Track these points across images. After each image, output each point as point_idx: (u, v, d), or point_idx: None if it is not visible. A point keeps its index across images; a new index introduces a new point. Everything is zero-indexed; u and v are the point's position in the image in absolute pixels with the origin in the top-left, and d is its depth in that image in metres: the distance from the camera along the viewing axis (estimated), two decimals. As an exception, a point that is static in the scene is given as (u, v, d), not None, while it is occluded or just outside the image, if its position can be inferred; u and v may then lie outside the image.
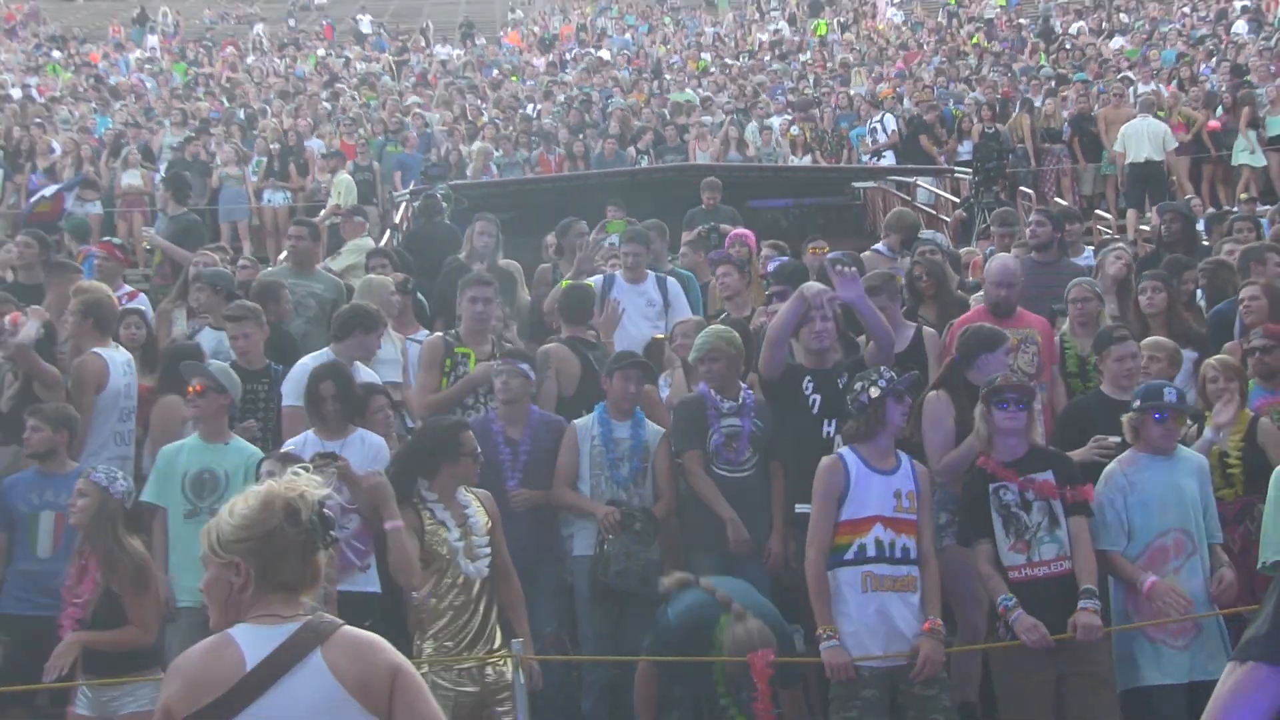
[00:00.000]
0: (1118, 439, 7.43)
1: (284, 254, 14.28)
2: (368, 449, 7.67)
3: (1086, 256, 12.15)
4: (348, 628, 3.50)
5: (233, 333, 9.33)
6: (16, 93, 32.51)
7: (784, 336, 8.03)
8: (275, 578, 3.42)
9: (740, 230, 12.37)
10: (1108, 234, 14.39)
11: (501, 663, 6.86)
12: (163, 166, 22.66)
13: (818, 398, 7.90)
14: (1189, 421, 7.55)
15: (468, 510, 6.97)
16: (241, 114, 29.26)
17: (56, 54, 40.93)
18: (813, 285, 8.25)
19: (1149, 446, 7.11)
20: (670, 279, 10.69)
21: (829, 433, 7.85)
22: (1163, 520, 7.02)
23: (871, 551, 6.76)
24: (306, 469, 3.75)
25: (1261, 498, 6.62)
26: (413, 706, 3.39)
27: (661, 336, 9.90)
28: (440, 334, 9.46)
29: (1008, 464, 6.97)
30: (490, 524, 7.05)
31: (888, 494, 6.85)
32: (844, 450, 7.05)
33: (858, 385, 7.00)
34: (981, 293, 9.78)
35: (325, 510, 3.48)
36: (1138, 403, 7.17)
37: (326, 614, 3.55)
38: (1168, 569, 6.95)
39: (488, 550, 6.94)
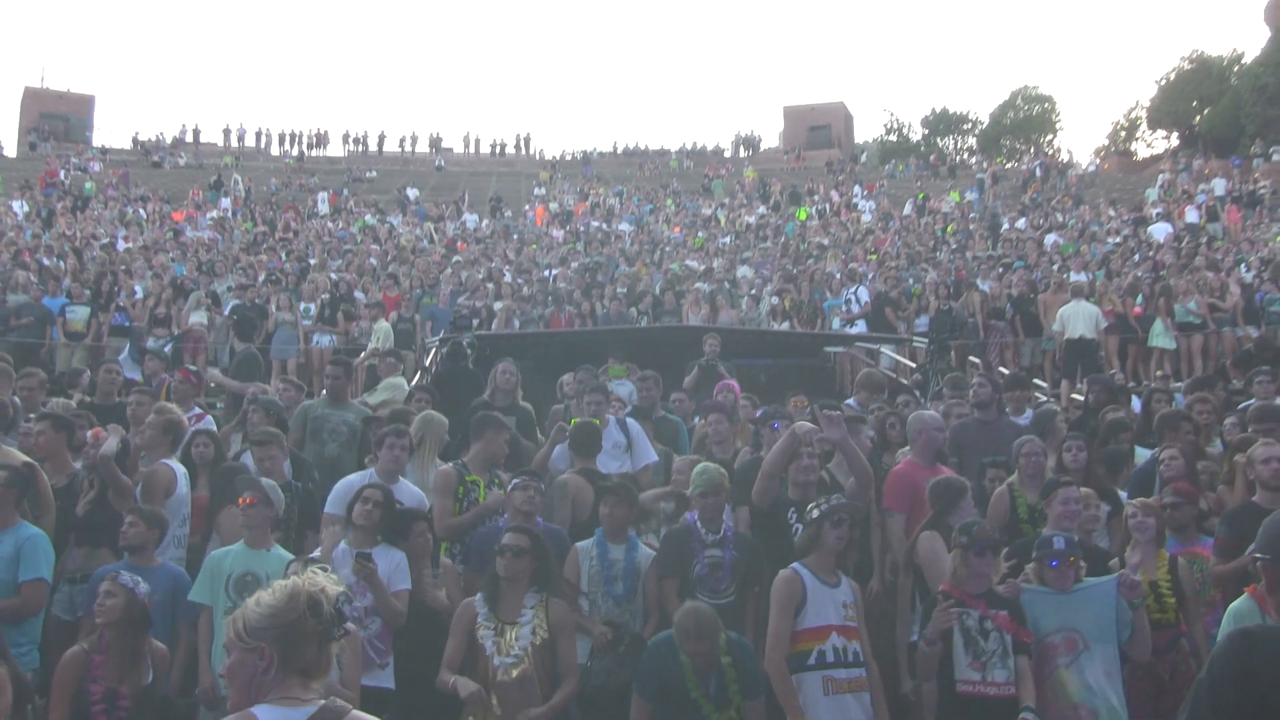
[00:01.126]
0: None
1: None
2: (391, 560, 7.63)
3: (1027, 417, 12.21)
4: (356, 713, 3.50)
5: (258, 455, 9.43)
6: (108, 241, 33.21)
7: (777, 470, 8.12)
8: (295, 663, 3.44)
9: (728, 380, 12.45)
10: (1044, 399, 14.46)
11: None
12: (227, 309, 22.80)
13: (799, 527, 7.77)
14: (1082, 564, 7.49)
15: (521, 615, 7.07)
16: (298, 267, 29.48)
17: (144, 211, 41.40)
18: (804, 425, 8.41)
19: (1047, 586, 7.33)
20: (631, 420, 10.65)
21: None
22: (1053, 623, 7.21)
23: (830, 657, 6.89)
24: (325, 569, 3.77)
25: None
26: None
27: (628, 472, 9.81)
28: (452, 464, 9.41)
29: (974, 595, 7.07)
30: (546, 635, 7.08)
31: (837, 605, 7.03)
32: (798, 565, 7.10)
33: (809, 507, 7.26)
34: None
35: (342, 605, 3.51)
36: (1035, 553, 7.40)
37: (338, 700, 3.54)
38: (1058, 664, 7.11)
39: (517, 653, 6.95)
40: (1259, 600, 6.30)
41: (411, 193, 49.00)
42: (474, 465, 9.23)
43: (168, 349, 17.82)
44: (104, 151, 60.07)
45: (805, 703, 6.81)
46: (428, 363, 15.72)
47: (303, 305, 23.66)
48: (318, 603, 3.47)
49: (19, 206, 40.78)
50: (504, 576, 7.14)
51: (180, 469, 9.16)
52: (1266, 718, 3.23)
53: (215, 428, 11.51)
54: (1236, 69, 62.56)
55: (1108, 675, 7.09)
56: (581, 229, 40.54)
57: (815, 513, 7.17)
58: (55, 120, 64.22)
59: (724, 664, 6.80)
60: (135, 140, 63.50)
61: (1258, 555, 3.93)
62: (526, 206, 46.74)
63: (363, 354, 18.92)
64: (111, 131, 65.37)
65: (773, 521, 8.16)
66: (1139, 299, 23.42)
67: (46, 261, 28.43)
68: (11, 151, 60.31)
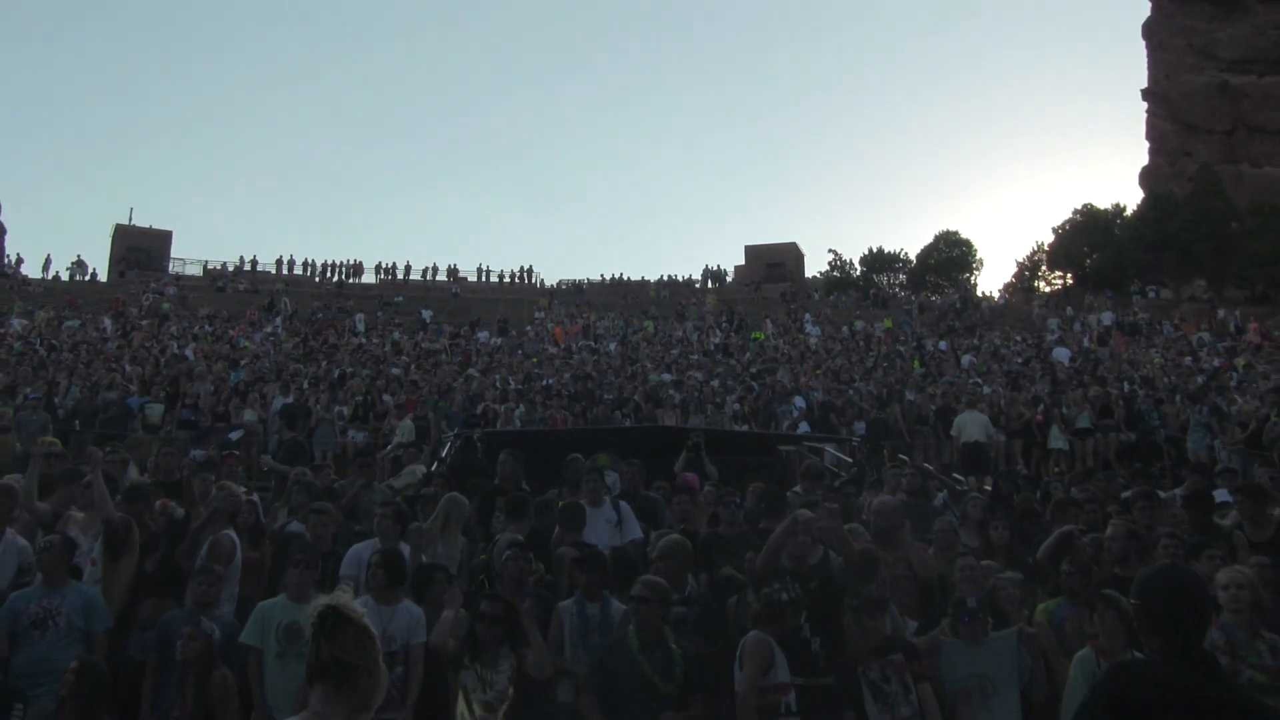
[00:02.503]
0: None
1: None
2: (411, 616, 7.75)
3: (940, 499, 12.39)
4: None
5: (312, 523, 9.51)
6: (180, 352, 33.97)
7: (779, 546, 8.14)
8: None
9: (689, 474, 12.54)
10: (961, 487, 14.60)
11: None
12: (276, 406, 22.93)
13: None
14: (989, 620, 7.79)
15: (499, 666, 7.32)
16: (336, 374, 29.58)
17: (209, 328, 41.59)
18: (804, 513, 8.41)
19: (961, 639, 7.61)
20: (623, 502, 10.70)
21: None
22: (965, 672, 7.46)
23: (794, 708, 6.99)
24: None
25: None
26: None
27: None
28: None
29: (870, 651, 7.28)
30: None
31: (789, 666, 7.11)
32: (759, 633, 7.16)
33: (765, 590, 7.45)
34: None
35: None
36: (950, 610, 7.80)
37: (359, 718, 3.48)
38: (971, 706, 7.32)
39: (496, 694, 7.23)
40: (1097, 650, 6.90)
41: (426, 314, 49.29)
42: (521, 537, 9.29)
43: (235, 436, 17.87)
44: (178, 278, 60.33)
45: None
46: (443, 454, 15.70)
47: (338, 408, 23.81)
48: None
49: (108, 323, 41.50)
50: (481, 640, 7.36)
51: (237, 539, 9.13)
52: None
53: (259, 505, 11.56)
54: (1119, 220, 63.22)
55: (1010, 714, 7.26)
56: (574, 346, 40.74)
57: (784, 596, 7.32)
58: (139, 252, 64.46)
59: (671, 644, 7.22)
60: (205, 268, 63.71)
61: (1132, 600, 4.01)
62: (528, 327, 46.88)
63: (389, 446, 18.95)
64: (185, 262, 65.05)
65: (769, 580, 8.08)
66: (1040, 408, 23.75)
67: (129, 368, 28.61)
68: (103, 277, 60.41)
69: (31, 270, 57.83)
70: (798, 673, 7.31)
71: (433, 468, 14.64)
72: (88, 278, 59.58)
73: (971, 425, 21.55)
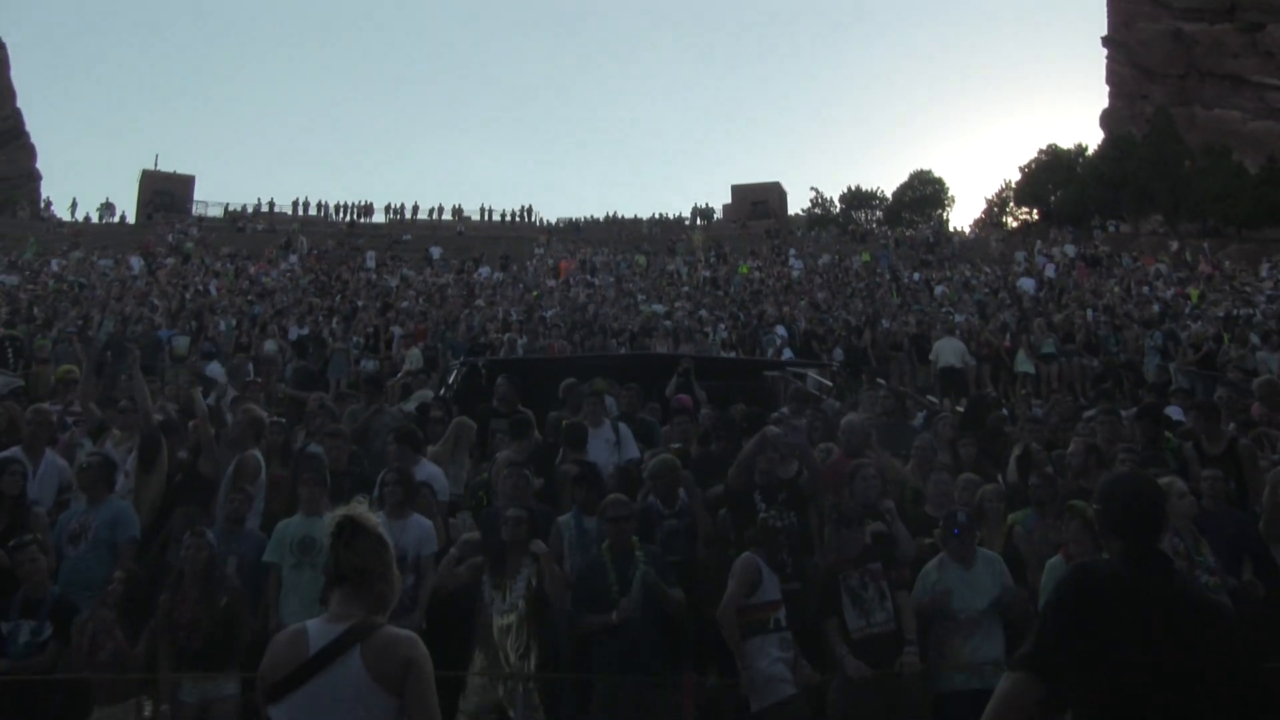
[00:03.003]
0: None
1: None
2: (421, 529, 7.86)
3: (919, 421, 12.32)
4: (390, 628, 3.53)
5: (329, 445, 9.49)
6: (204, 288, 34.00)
7: (750, 462, 8.29)
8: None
9: (682, 396, 12.46)
10: (935, 408, 14.60)
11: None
12: (292, 337, 22.93)
13: (764, 505, 8.05)
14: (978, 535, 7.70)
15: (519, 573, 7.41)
16: (349, 308, 29.54)
17: (230, 265, 41.42)
18: (773, 429, 8.52)
19: (951, 553, 7.40)
20: (621, 424, 10.67)
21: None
22: (958, 605, 7.23)
23: (783, 623, 7.04)
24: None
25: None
26: (415, 692, 3.40)
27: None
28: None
29: (850, 560, 7.25)
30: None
31: (779, 586, 7.16)
32: (753, 553, 7.17)
33: (763, 515, 7.50)
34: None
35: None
36: (941, 524, 7.57)
37: (375, 618, 3.54)
38: (960, 638, 7.18)
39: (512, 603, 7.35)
40: (1066, 557, 6.92)
41: (435, 251, 49.10)
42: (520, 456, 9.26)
43: (250, 368, 17.81)
44: (201, 220, 60.04)
45: (766, 651, 6.93)
46: (450, 381, 15.62)
47: (353, 338, 23.76)
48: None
49: (136, 262, 41.43)
50: (508, 540, 7.38)
51: (261, 457, 9.10)
52: (1093, 626, 3.42)
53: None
54: (1081, 160, 62.95)
55: (993, 642, 7.12)
56: (572, 280, 40.63)
57: (777, 523, 7.38)
58: (164, 196, 64.10)
59: (638, 554, 7.30)
60: (225, 210, 63.35)
61: (1094, 505, 4.02)
62: (529, 262, 46.69)
63: (399, 374, 18.90)
64: (207, 205, 64.76)
65: (743, 500, 8.26)
66: (1007, 337, 23.76)
67: (157, 303, 28.52)
68: (131, 220, 60.12)
69: (60, 214, 57.73)
70: None
71: (440, 393, 14.60)
72: (117, 220, 59.27)
73: (948, 351, 21.52)
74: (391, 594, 3.64)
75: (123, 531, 7.82)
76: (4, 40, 79.21)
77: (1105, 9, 74.67)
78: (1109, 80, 74.79)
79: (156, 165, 68.18)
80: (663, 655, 7.18)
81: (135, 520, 8.05)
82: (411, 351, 22.12)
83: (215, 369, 20.73)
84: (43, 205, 64.51)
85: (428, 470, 9.06)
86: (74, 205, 59.15)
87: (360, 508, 3.67)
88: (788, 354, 22.80)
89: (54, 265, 38.94)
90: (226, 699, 6.89)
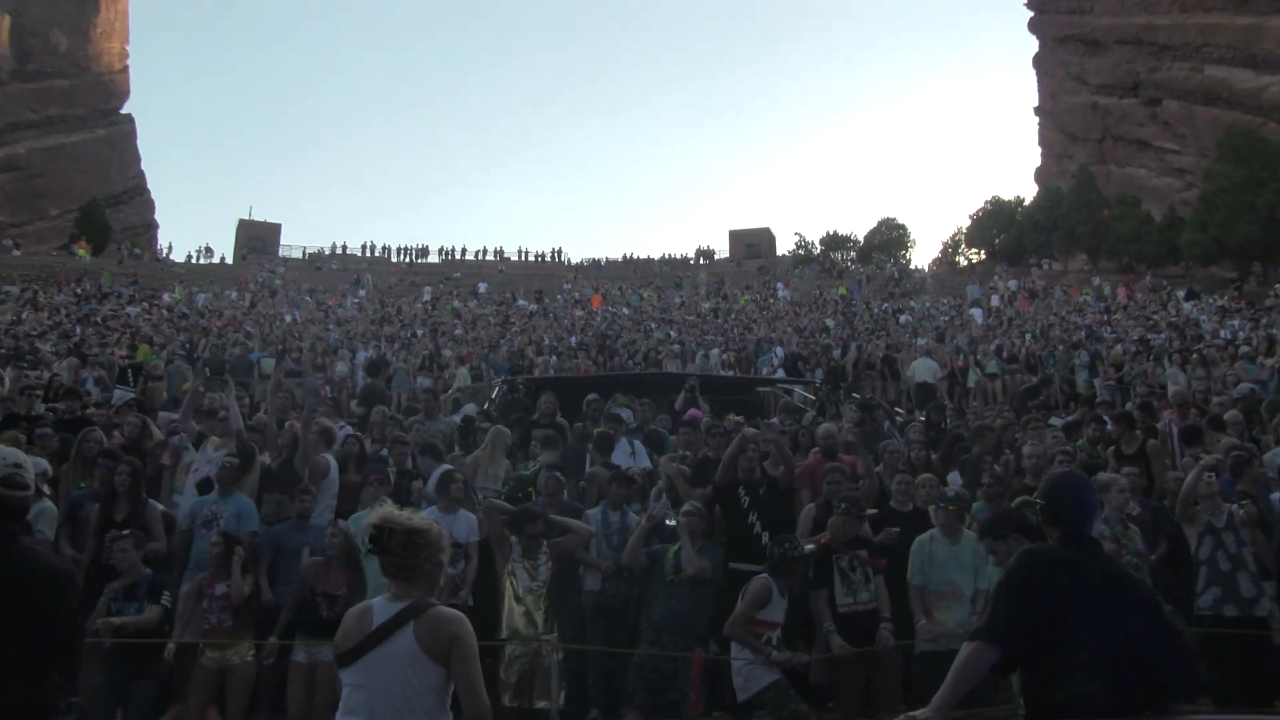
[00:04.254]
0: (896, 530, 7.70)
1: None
2: (468, 521, 7.85)
3: (887, 427, 12.24)
4: (440, 608, 3.55)
5: (394, 450, 9.42)
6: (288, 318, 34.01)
7: (733, 461, 8.17)
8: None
9: (694, 410, 12.36)
10: (901, 417, 14.47)
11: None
12: (360, 359, 22.92)
13: (747, 499, 8.05)
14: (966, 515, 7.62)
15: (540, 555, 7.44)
16: (408, 334, 29.55)
17: (309, 299, 41.49)
18: (750, 430, 8.63)
19: (940, 529, 7.33)
20: (636, 440, 10.55)
21: (752, 520, 7.97)
22: (942, 577, 7.15)
23: (774, 642, 6.97)
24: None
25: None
26: (460, 663, 3.43)
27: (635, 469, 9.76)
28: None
29: (844, 543, 7.26)
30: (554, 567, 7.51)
31: (784, 609, 7.05)
32: (768, 576, 7.03)
33: (776, 546, 7.12)
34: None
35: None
36: (936, 500, 7.59)
37: (427, 599, 3.58)
38: (942, 606, 7.08)
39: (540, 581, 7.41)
40: None
41: (480, 285, 49.10)
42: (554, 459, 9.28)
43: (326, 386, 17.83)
44: (285, 260, 60.20)
45: (752, 661, 6.91)
46: (493, 396, 15.58)
47: (412, 360, 23.76)
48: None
49: (233, 294, 41.23)
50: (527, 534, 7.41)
51: (333, 460, 9.06)
52: (1040, 598, 3.52)
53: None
54: (1020, 208, 62.82)
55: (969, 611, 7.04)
56: (596, 313, 40.63)
57: (796, 554, 7.13)
58: (257, 240, 64.19)
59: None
60: (305, 252, 63.48)
61: (1036, 500, 4.08)
62: (559, 295, 46.64)
63: (450, 390, 18.86)
64: (291, 248, 65.03)
65: (729, 495, 8.17)
66: (960, 357, 23.61)
67: (250, 329, 28.60)
68: (230, 260, 60.25)
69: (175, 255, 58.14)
70: (750, 560, 7.52)
71: (484, 407, 14.55)
72: (216, 260, 59.45)
73: (923, 369, 21.64)
74: (436, 575, 3.65)
75: (246, 524, 7.85)
76: (133, 115, 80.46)
77: (1036, 85, 75.19)
78: (1040, 143, 75.15)
79: (250, 215, 68.51)
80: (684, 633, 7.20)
81: (256, 515, 8.09)
82: (460, 371, 22.07)
83: (267, 363, 20.82)
84: (159, 249, 64.76)
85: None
86: (169, 249, 59.76)
87: (387, 509, 3.65)
88: (780, 373, 22.70)
89: (165, 298, 39.03)
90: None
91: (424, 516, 3.84)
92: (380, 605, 3.54)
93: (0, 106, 67.34)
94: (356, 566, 7.06)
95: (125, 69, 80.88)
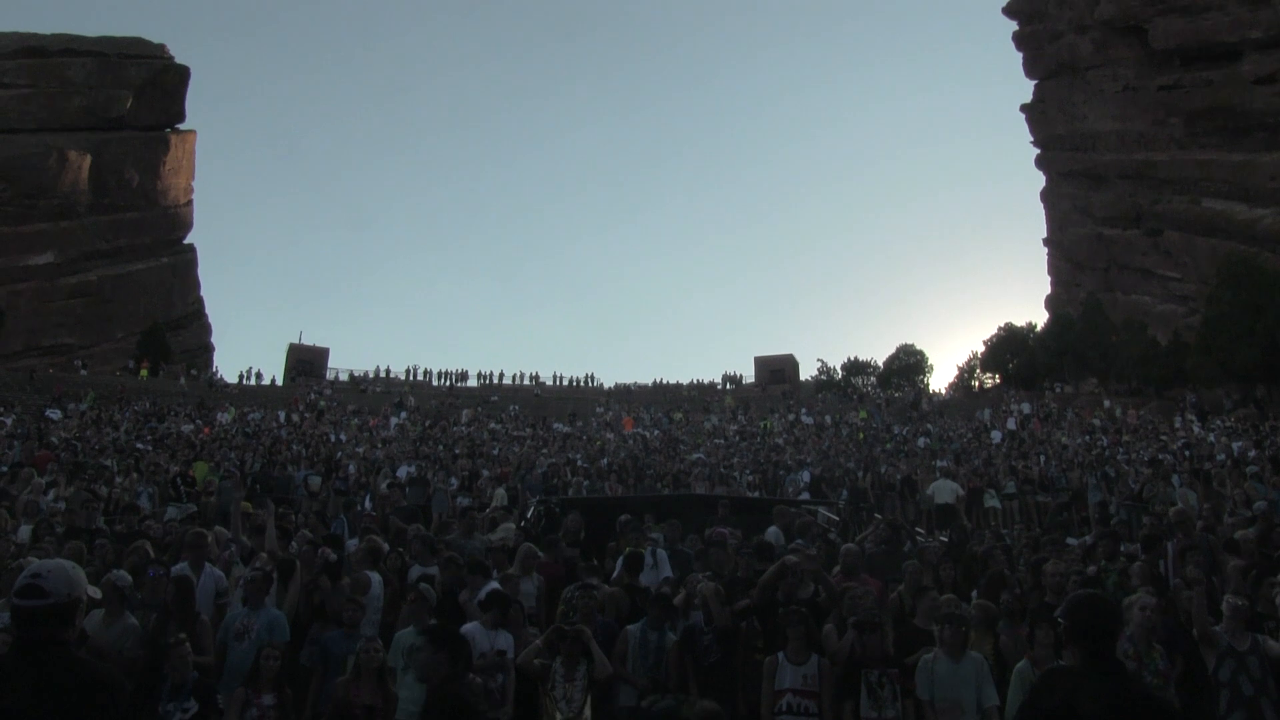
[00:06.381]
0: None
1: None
2: (508, 641, 7.74)
3: (909, 547, 12.11)
4: None
5: (445, 569, 9.42)
6: (334, 437, 33.97)
7: (770, 584, 8.28)
8: None
9: (721, 529, 12.27)
10: (921, 537, 14.32)
11: None
12: (403, 477, 22.93)
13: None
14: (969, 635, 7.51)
15: (576, 673, 7.29)
16: (448, 454, 29.59)
17: (355, 420, 41.72)
18: (791, 559, 8.59)
19: (943, 648, 7.23)
20: (661, 551, 10.66)
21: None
22: (945, 694, 7.05)
23: (784, 707, 7.04)
24: None
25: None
26: None
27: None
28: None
29: (874, 660, 7.16)
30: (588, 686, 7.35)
31: (797, 676, 7.12)
32: (781, 654, 7.23)
33: (794, 623, 7.28)
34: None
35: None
36: (941, 619, 7.44)
37: None
38: (945, 713, 6.99)
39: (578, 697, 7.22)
40: (1032, 660, 6.91)
41: (516, 408, 49.25)
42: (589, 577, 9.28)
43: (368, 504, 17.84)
44: (333, 383, 60.87)
45: None
46: (529, 515, 15.55)
47: (451, 479, 23.74)
48: None
49: (282, 414, 41.66)
50: (565, 658, 7.33)
51: (376, 576, 9.10)
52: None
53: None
54: (1032, 334, 62.80)
55: None
56: (626, 432, 40.58)
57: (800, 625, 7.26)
58: (305, 364, 65.11)
59: None
60: (351, 375, 64.18)
61: (1057, 618, 4.04)
62: (592, 419, 46.70)
63: (488, 510, 18.82)
64: (338, 371, 65.80)
65: (768, 608, 8.16)
66: (978, 478, 23.47)
67: (296, 448, 28.78)
68: (280, 381, 60.98)
69: (227, 377, 58.90)
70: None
71: (520, 525, 14.51)
72: (267, 382, 60.14)
73: (944, 490, 21.41)
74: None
75: (278, 635, 7.83)
76: (195, 244, 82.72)
77: (1044, 217, 75.86)
78: (1050, 271, 75.54)
79: (300, 339, 69.53)
80: None
81: (286, 627, 8.09)
82: (497, 491, 22.07)
83: (313, 480, 20.64)
84: (214, 371, 65.72)
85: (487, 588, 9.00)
86: (215, 372, 60.55)
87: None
88: (805, 495, 22.61)
89: (220, 418, 39.43)
90: None
91: None
92: None
93: (77, 237, 69.58)
94: (387, 682, 7.02)
95: (190, 202, 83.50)
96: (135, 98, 76.29)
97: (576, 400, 56.03)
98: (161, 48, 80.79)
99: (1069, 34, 66.04)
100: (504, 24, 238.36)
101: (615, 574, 9.91)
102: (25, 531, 11.95)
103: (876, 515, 16.04)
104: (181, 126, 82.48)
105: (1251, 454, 24.96)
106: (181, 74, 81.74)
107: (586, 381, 67.22)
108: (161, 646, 7.24)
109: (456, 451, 30.76)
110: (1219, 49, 54.36)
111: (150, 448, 27.55)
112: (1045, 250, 76.35)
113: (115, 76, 75.61)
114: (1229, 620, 7.38)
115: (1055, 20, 67.65)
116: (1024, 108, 75.12)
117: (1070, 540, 13.27)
